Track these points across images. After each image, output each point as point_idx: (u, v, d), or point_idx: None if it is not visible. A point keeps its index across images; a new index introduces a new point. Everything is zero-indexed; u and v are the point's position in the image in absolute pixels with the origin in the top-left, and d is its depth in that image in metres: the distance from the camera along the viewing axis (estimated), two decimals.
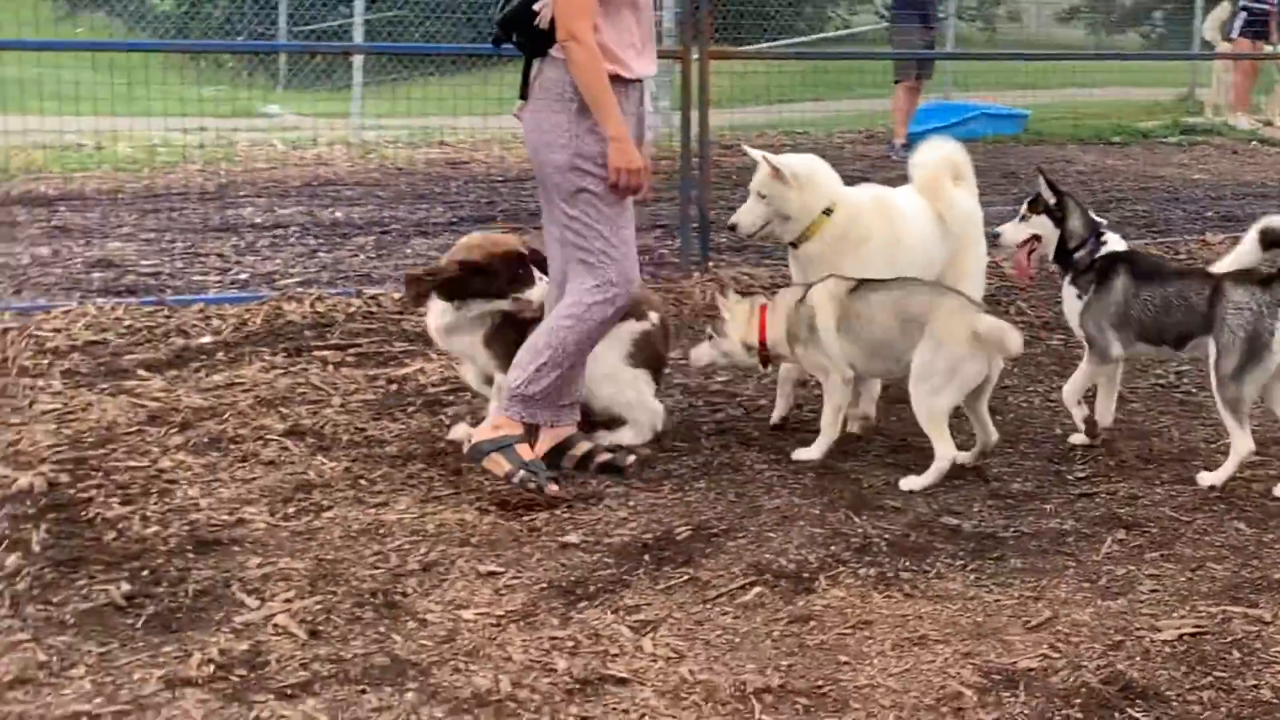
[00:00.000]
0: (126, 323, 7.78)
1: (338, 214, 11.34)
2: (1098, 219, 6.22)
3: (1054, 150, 16.05)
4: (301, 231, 10.58)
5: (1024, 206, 6.26)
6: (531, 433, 5.77)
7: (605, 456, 5.88)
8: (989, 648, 4.43)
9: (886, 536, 5.24)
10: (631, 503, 5.55)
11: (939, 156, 6.82)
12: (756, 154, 6.40)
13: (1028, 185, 13.00)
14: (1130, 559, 5.09)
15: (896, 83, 14.11)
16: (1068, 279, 6.17)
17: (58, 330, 7.56)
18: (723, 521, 5.37)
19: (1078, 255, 6.11)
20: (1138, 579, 4.93)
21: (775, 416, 6.45)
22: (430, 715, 4.05)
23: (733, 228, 6.47)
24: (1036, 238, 6.20)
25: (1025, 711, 4.08)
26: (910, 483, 5.76)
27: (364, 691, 4.16)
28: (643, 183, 5.57)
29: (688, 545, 5.17)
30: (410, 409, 6.57)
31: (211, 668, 4.27)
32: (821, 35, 22.41)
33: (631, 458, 5.91)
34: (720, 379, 7.04)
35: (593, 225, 5.55)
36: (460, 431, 6.13)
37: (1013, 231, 6.26)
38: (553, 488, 5.53)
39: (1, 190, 11.94)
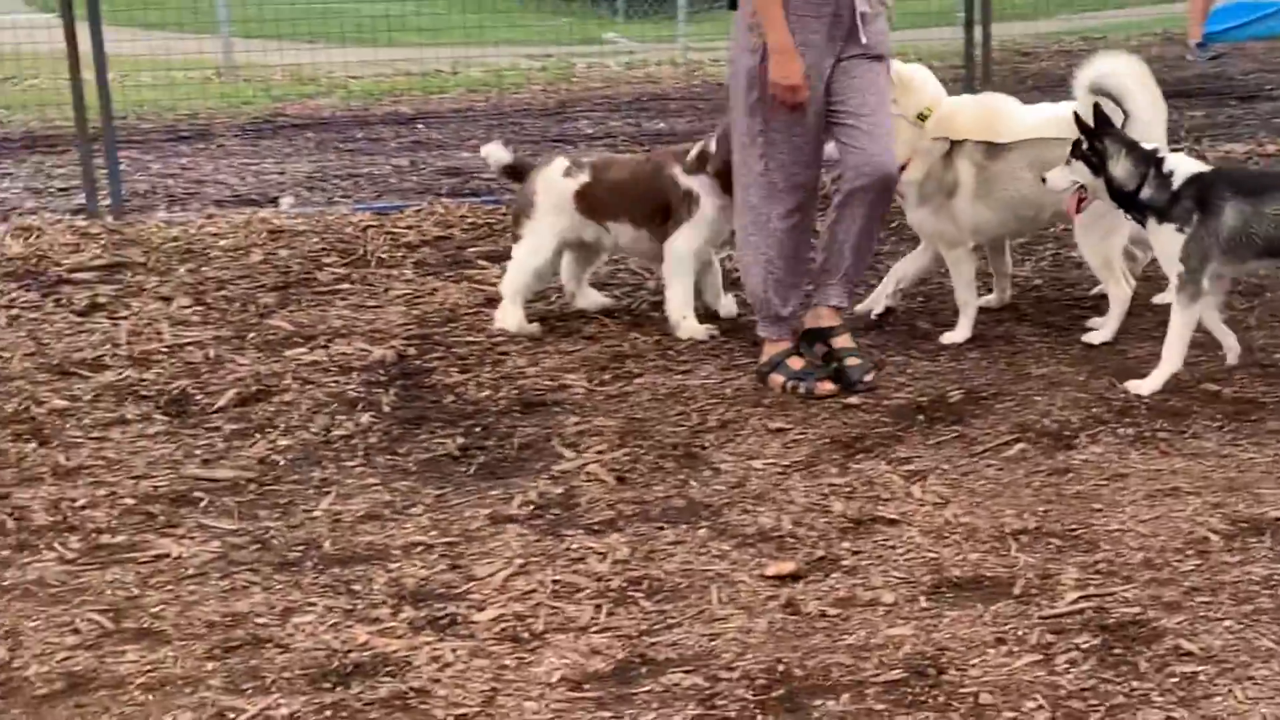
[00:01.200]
0: (469, 220, 8.16)
1: (661, 125, 11.56)
2: (1151, 147, 5.31)
3: None
4: (629, 140, 10.82)
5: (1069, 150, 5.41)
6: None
7: (855, 361, 5.53)
8: (1239, 499, 4.41)
9: (1147, 401, 5.22)
10: (909, 370, 5.65)
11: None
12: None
13: None
14: None
15: None
16: (1153, 220, 5.26)
17: (410, 227, 7.99)
18: (992, 386, 5.43)
19: (1147, 195, 5.23)
20: None
21: (879, 307, 6.26)
22: (719, 548, 4.26)
23: None
24: (1083, 186, 5.39)
25: (1269, 555, 4.06)
26: (1099, 335, 5.80)
27: (662, 528, 4.40)
28: (799, 100, 5.25)
29: (959, 407, 5.26)
30: None
31: (530, 508, 4.58)
32: None
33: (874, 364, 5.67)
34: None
35: (765, 132, 5.36)
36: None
37: (1058, 177, 5.43)
38: (826, 386, 5.43)
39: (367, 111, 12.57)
